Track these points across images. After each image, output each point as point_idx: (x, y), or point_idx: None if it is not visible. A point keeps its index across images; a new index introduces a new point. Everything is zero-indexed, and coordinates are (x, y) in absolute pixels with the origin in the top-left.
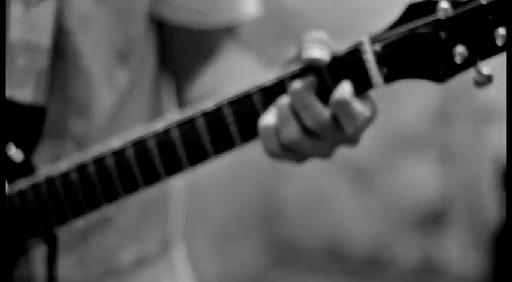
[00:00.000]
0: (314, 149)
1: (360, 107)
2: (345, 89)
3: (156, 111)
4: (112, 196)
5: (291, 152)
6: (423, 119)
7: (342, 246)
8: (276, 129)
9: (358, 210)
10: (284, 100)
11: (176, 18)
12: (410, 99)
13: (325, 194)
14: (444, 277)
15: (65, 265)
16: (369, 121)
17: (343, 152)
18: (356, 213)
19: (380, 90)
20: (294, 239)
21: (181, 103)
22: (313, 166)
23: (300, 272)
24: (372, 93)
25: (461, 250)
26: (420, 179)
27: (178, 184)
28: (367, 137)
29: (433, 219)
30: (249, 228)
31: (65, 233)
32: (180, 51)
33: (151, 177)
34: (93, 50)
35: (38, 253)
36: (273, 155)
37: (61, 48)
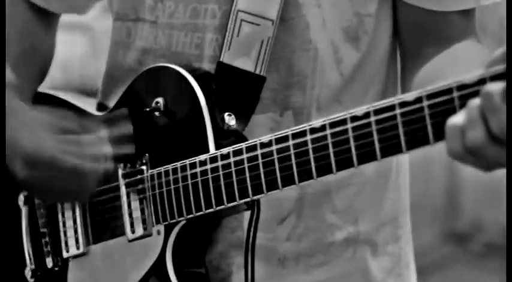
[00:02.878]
0: (498, 157)
1: None
2: None
3: (380, 94)
4: (306, 174)
5: (474, 156)
6: None
7: None
8: (462, 131)
9: None
10: (475, 102)
11: None
12: None
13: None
14: None
15: (275, 237)
16: None
17: None
18: None
19: None
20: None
21: (405, 87)
22: None
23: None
24: None
25: None
26: None
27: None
28: None
29: None
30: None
31: (278, 205)
32: (410, 31)
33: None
34: (322, 25)
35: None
36: (455, 156)
37: (289, 20)
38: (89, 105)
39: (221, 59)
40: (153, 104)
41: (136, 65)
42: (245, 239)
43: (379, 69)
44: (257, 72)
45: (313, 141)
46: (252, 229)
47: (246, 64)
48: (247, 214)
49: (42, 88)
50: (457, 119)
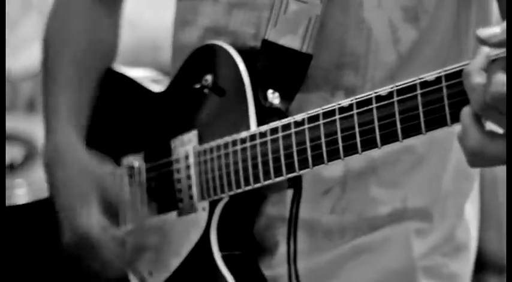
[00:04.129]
0: (503, 152)
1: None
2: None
3: None
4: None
5: (478, 158)
6: None
7: None
8: (460, 138)
9: None
10: (466, 109)
11: None
12: None
13: None
14: None
15: (318, 209)
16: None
17: None
18: None
19: None
20: None
21: None
22: None
23: None
24: None
25: None
26: None
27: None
28: None
29: None
30: None
31: (323, 179)
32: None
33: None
34: (378, 4)
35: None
36: (469, 163)
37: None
38: (160, 84)
39: (266, 37)
40: (202, 81)
41: (199, 43)
42: (288, 218)
43: (439, 49)
44: (304, 50)
45: (341, 120)
46: (295, 207)
47: (292, 42)
48: (289, 190)
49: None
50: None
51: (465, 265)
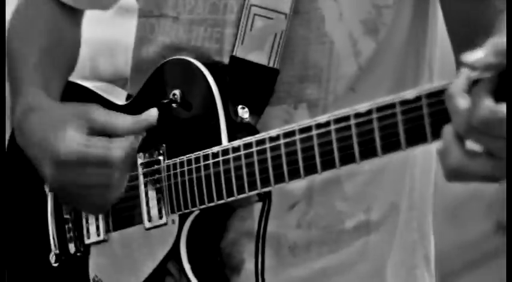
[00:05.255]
0: (482, 171)
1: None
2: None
3: (395, 86)
4: (312, 168)
5: (456, 175)
6: None
7: None
8: (441, 155)
9: None
10: (448, 128)
11: None
12: None
13: None
14: None
15: (284, 224)
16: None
17: None
18: None
19: None
20: None
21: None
22: None
23: None
24: None
25: None
26: None
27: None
28: None
29: None
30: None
31: (288, 191)
32: (452, 20)
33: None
34: (339, 18)
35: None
36: (447, 178)
37: (304, 14)
38: (118, 96)
39: (234, 53)
40: (171, 96)
41: (159, 59)
42: (256, 230)
43: (396, 60)
44: (270, 65)
45: (318, 136)
46: (263, 220)
47: (259, 58)
48: (257, 204)
49: (73, 78)
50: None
51: (430, 273)
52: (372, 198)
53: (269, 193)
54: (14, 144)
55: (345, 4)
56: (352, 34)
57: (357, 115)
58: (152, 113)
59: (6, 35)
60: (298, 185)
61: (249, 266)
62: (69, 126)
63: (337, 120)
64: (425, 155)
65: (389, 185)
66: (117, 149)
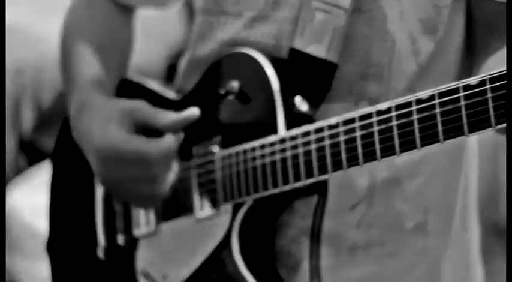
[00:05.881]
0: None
1: None
2: None
3: None
4: (371, 155)
5: None
6: None
7: None
8: None
9: None
10: None
11: None
12: None
13: None
14: None
15: (344, 224)
16: None
17: None
18: None
19: None
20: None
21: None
22: None
23: None
24: None
25: None
26: None
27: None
28: None
29: None
30: None
31: (349, 192)
32: (482, 25)
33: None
34: (400, 15)
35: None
36: None
37: (367, 12)
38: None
39: (294, 46)
40: (228, 87)
41: (216, 55)
42: (311, 224)
43: (453, 59)
44: (329, 59)
45: (379, 123)
46: (319, 214)
47: (318, 51)
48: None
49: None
50: None
51: (480, 272)
52: (430, 199)
53: (325, 187)
54: (64, 137)
55: (406, 3)
56: (412, 33)
57: (419, 101)
58: (193, 112)
59: (61, 31)
60: (360, 186)
61: (306, 265)
62: (113, 122)
63: (399, 107)
64: (475, 154)
65: (446, 185)
66: (154, 146)
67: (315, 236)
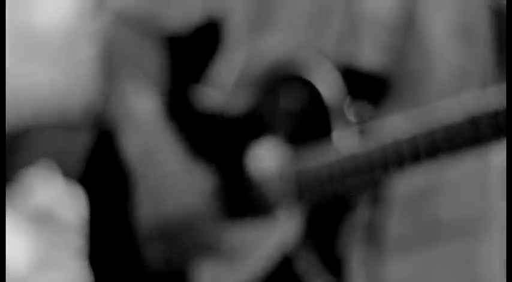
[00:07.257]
0: None
1: None
2: None
3: None
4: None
5: None
6: None
7: None
8: None
9: None
10: None
11: None
12: None
13: None
14: None
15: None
16: None
17: None
18: None
19: None
20: None
21: None
22: None
23: None
24: None
25: None
26: None
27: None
28: None
29: None
30: None
31: (401, 195)
32: None
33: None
34: (434, 24)
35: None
36: None
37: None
38: None
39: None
40: (289, 99)
41: (265, 72)
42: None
43: (486, 74)
44: (380, 74)
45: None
46: (367, 211)
47: (371, 66)
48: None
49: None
50: None
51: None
52: (474, 199)
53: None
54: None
55: (442, 13)
56: (445, 43)
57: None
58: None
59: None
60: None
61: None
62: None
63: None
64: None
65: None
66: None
67: (360, 229)
